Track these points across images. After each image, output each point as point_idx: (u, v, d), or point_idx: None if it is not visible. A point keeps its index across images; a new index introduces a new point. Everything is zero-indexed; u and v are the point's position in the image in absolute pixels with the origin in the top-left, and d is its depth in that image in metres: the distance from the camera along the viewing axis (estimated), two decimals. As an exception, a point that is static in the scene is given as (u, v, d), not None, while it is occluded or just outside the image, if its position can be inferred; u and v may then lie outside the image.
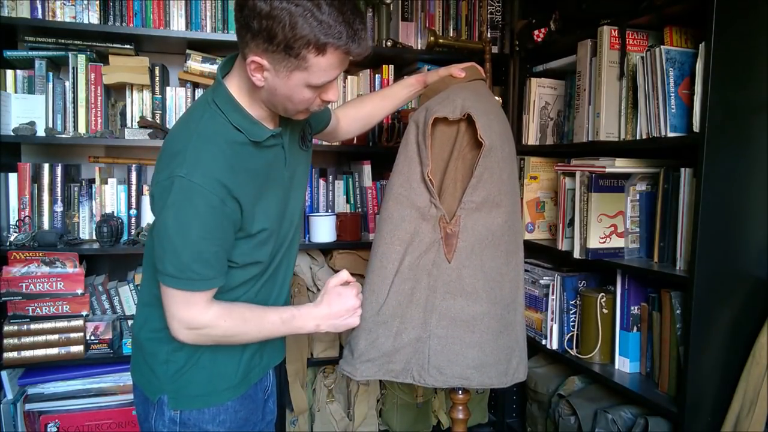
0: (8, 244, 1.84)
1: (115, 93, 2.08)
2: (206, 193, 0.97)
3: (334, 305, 1.16)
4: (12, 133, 1.83)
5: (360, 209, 2.22)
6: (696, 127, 1.38)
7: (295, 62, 0.95)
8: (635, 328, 1.66)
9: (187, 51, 2.01)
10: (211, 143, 1.00)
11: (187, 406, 1.11)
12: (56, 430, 1.88)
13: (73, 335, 1.86)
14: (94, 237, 1.93)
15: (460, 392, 1.54)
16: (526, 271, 2.13)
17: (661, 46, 1.48)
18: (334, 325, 1.17)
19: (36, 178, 1.92)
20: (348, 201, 2.23)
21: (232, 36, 1.97)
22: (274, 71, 0.97)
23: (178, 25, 1.96)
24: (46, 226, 1.93)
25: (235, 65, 1.07)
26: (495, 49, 2.21)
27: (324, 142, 1.96)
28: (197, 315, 1.04)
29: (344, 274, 1.20)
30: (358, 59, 1.01)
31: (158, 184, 1.00)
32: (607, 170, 1.61)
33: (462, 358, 1.32)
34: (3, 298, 1.80)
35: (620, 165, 1.61)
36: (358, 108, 1.54)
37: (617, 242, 1.67)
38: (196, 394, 1.12)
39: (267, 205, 1.10)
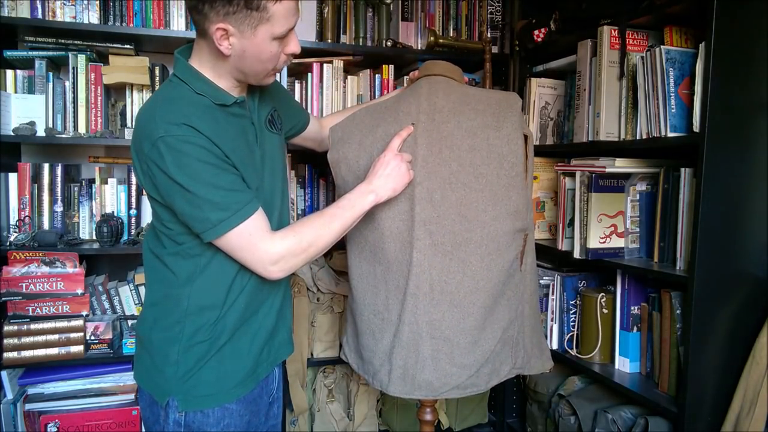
0: (8, 244, 1.84)
1: (115, 93, 2.08)
2: (189, 137, 1.01)
3: (380, 169, 1.23)
4: (12, 133, 1.83)
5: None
6: (696, 127, 1.38)
7: (258, 15, 1.01)
8: (635, 328, 1.66)
9: (187, 51, 2.01)
10: (176, 103, 1.05)
11: (196, 407, 1.11)
12: (56, 430, 1.88)
13: (73, 335, 1.86)
14: (94, 237, 1.93)
15: None
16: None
17: (661, 46, 1.48)
18: (393, 189, 1.23)
19: (36, 178, 1.92)
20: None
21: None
22: (239, 33, 1.02)
23: (178, 25, 1.96)
24: (46, 226, 1.93)
25: (194, 48, 1.12)
26: (495, 49, 2.21)
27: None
28: (270, 247, 1.07)
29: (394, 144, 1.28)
30: None
31: (146, 156, 1.02)
32: (607, 170, 1.61)
33: None
34: (3, 298, 1.80)
35: (620, 165, 1.61)
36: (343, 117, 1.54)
37: (617, 242, 1.67)
38: (205, 394, 1.12)
39: (248, 176, 1.12)
